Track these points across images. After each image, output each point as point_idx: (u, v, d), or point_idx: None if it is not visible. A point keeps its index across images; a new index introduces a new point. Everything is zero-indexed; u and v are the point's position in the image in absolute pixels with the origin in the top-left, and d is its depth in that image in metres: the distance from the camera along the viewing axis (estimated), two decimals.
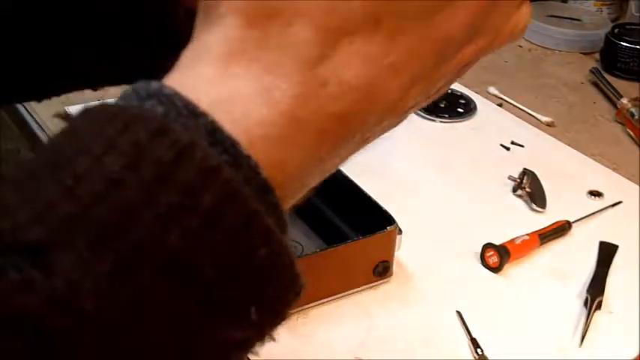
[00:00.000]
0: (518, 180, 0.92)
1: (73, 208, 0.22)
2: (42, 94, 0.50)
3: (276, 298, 0.26)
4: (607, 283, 0.78)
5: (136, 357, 0.23)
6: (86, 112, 0.25)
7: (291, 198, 0.28)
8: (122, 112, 0.24)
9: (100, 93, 1.09)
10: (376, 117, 0.28)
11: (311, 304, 0.73)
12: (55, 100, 1.07)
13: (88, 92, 1.08)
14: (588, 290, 0.77)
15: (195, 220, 0.23)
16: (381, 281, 0.76)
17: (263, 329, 0.26)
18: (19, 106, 1.02)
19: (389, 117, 0.29)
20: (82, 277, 0.22)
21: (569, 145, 1.04)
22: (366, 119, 0.28)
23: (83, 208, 0.22)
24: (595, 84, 1.21)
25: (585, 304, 0.76)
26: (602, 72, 1.22)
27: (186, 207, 0.23)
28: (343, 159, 0.30)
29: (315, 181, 0.29)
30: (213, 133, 0.24)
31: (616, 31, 1.26)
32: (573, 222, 0.87)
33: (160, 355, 0.23)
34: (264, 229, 0.24)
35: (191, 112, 0.25)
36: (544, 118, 1.10)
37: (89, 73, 0.48)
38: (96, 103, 0.26)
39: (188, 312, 0.23)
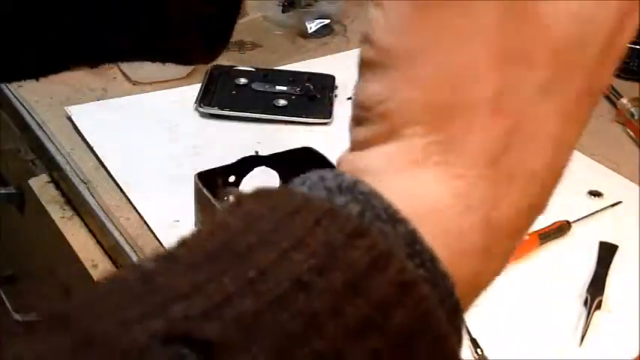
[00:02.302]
0: None
1: (253, 307, 0.20)
2: (45, 69, 0.49)
3: None
4: (607, 283, 0.78)
5: None
6: (262, 195, 0.23)
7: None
8: (311, 204, 0.22)
9: (99, 92, 1.09)
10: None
11: None
12: (55, 99, 1.07)
13: (88, 93, 1.08)
14: (588, 290, 0.77)
15: (383, 339, 0.20)
16: None
17: None
18: (20, 106, 1.02)
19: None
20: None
21: None
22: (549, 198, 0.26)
23: (265, 307, 0.20)
24: None
25: (585, 304, 0.76)
26: None
27: (375, 323, 0.20)
28: None
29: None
30: (413, 244, 0.22)
31: None
32: (573, 222, 0.86)
33: None
34: (454, 356, 0.23)
35: (390, 216, 0.22)
36: None
37: (104, 46, 0.47)
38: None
39: None
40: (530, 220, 0.25)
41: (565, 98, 0.25)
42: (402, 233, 0.22)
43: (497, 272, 0.26)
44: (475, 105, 0.24)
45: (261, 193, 0.23)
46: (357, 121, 0.26)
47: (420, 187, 0.24)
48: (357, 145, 0.26)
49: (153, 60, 0.50)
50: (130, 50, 0.48)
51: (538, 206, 0.25)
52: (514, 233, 0.25)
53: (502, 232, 0.24)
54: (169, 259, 0.22)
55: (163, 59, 0.50)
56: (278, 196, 0.23)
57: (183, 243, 0.22)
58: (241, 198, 0.23)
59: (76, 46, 0.46)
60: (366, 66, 0.26)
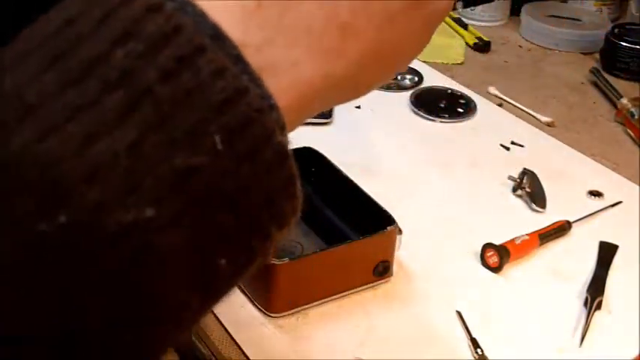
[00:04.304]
0: (518, 180, 0.92)
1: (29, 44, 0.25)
2: None
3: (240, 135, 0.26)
4: (607, 283, 0.78)
5: None
6: None
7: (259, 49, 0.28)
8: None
9: None
10: None
11: (311, 304, 0.73)
12: None
13: None
14: (588, 290, 0.77)
15: (139, 44, 0.24)
16: (381, 281, 0.76)
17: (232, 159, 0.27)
18: None
19: None
20: (29, 84, 0.24)
21: (569, 145, 1.04)
22: None
23: (41, 40, 0.25)
24: (595, 84, 1.21)
25: (585, 304, 0.76)
26: (602, 72, 1.22)
27: (128, 34, 0.24)
28: None
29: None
30: None
31: (616, 31, 1.26)
32: (573, 222, 0.87)
33: None
34: (215, 60, 0.25)
35: None
36: (544, 118, 1.10)
37: None
38: None
39: (135, 127, 0.24)
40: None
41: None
42: None
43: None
44: None
45: None
46: None
47: None
48: None
49: None
50: None
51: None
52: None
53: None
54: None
55: None
56: None
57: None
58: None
59: None
60: None
